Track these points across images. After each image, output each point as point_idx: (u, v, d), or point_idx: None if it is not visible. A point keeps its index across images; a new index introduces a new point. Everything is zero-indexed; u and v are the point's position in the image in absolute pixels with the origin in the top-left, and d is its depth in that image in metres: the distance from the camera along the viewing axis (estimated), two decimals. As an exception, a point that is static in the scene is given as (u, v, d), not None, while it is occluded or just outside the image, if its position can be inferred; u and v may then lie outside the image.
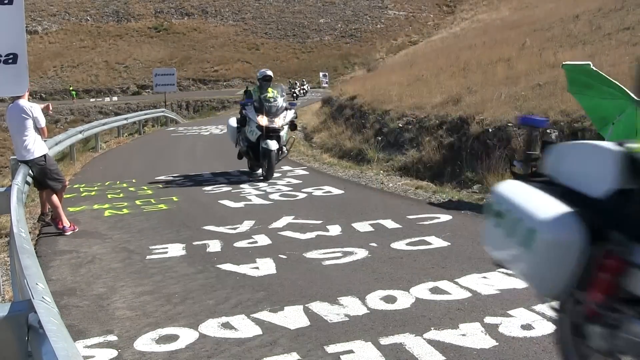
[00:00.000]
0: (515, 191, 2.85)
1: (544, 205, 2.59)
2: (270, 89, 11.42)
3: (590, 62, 7.74)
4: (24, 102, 7.43)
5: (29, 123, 7.40)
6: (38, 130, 7.51)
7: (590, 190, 2.58)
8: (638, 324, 2.35)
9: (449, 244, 6.32)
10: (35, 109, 7.46)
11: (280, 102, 11.19)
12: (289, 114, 11.28)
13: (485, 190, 9.54)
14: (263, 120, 10.86)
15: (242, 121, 11.49)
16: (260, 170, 11.55)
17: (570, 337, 2.82)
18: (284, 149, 11.39)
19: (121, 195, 10.41)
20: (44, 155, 7.55)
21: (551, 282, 2.62)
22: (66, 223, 7.70)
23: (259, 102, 11.10)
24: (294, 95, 45.50)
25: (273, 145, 10.76)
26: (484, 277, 5.14)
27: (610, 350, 2.52)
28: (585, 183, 2.64)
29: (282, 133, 11.09)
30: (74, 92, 57.46)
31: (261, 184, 10.84)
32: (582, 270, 2.48)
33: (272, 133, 10.86)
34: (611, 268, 2.45)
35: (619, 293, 2.44)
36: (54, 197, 7.68)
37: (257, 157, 11.18)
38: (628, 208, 2.42)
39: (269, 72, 11.60)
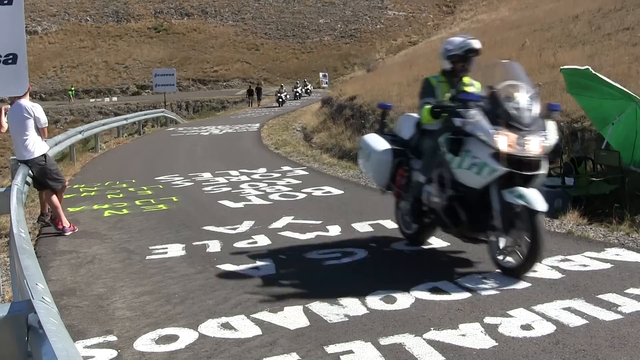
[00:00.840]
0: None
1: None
2: (466, 79, 6.02)
3: (589, 67, 7.75)
4: (25, 102, 7.44)
5: (30, 123, 7.40)
6: (39, 130, 7.51)
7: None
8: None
9: (449, 244, 6.31)
10: (37, 109, 7.47)
11: (529, 101, 5.17)
12: (551, 129, 5.23)
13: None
14: (508, 141, 4.97)
15: (455, 145, 5.27)
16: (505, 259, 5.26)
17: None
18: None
19: (121, 195, 10.41)
20: (44, 155, 7.55)
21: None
22: (66, 223, 7.70)
23: (489, 103, 5.25)
24: (297, 95, 45.90)
25: (539, 200, 4.92)
26: (484, 278, 5.14)
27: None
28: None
29: (543, 171, 5.18)
30: (71, 93, 57.47)
31: (261, 184, 10.82)
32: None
33: (529, 171, 5.03)
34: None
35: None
36: (54, 198, 7.68)
37: (477, 221, 5.33)
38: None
39: (477, 44, 5.86)
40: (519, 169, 4.95)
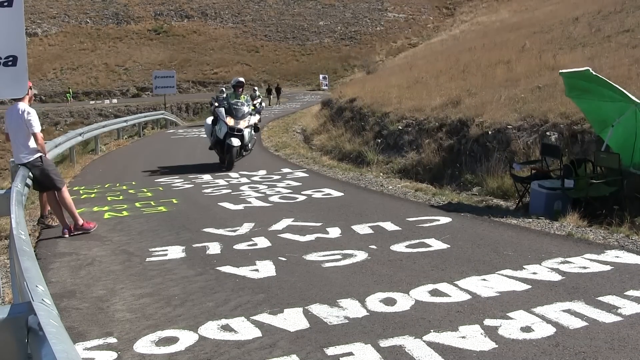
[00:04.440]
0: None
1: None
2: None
3: (589, 68, 7.75)
4: (21, 105, 7.36)
5: (24, 126, 7.34)
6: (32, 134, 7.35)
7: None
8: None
9: (449, 246, 6.32)
10: (30, 114, 7.29)
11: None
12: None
13: (485, 192, 9.55)
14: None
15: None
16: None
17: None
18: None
19: (121, 197, 10.41)
20: (40, 157, 7.49)
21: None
22: (80, 221, 7.69)
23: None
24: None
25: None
26: (484, 280, 5.15)
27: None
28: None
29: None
30: (68, 95, 57.48)
31: (261, 187, 10.85)
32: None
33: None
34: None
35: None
36: (65, 197, 7.61)
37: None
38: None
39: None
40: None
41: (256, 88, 35.21)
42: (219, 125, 13.48)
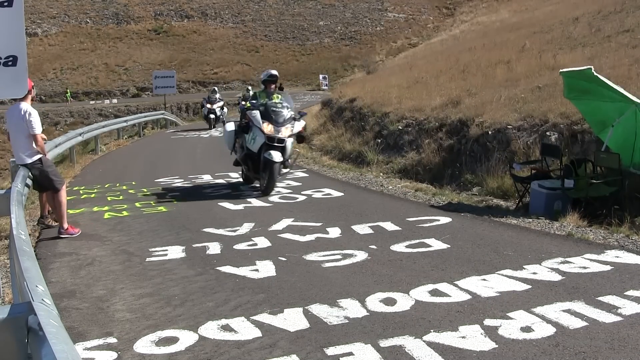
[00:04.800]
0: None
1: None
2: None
3: (591, 67, 7.74)
4: (23, 105, 7.34)
5: (25, 126, 7.32)
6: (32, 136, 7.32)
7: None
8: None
9: (449, 246, 6.32)
10: (31, 115, 7.25)
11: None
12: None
13: (485, 192, 9.55)
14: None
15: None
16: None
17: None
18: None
19: (121, 197, 10.41)
20: (40, 158, 7.48)
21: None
22: (65, 225, 7.66)
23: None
24: (210, 117, 27.45)
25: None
26: (484, 280, 5.15)
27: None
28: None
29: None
30: (68, 95, 57.47)
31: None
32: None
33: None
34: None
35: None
36: (61, 198, 7.60)
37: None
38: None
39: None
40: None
41: (249, 87, 33.64)
42: (251, 134, 10.09)
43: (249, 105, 10.48)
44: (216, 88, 30.09)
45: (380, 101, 16.97)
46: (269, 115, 9.93)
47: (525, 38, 20.60)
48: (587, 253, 5.85)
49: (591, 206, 7.61)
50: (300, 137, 10.41)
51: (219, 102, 27.20)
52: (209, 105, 26.80)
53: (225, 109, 28.86)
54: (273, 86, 10.61)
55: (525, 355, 3.70)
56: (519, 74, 14.54)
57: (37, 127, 7.32)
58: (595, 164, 8.00)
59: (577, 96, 8.37)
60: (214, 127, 26.05)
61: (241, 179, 11.50)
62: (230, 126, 11.30)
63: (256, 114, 9.98)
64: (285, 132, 9.90)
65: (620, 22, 17.36)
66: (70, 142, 15.46)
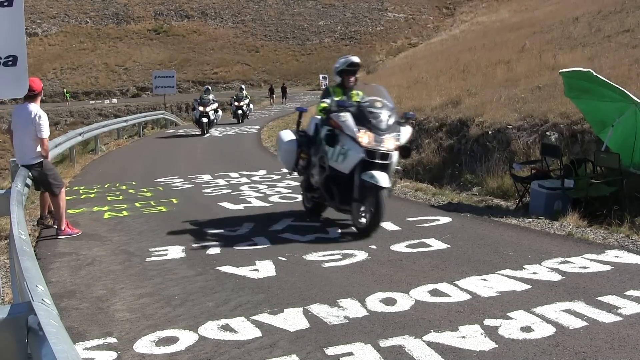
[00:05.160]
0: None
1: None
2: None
3: (591, 69, 7.75)
4: (33, 107, 7.32)
5: (32, 128, 7.33)
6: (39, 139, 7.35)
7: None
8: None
9: (449, 246, 6.32)
10: (41, 118, 7.29)
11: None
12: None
13: (485, 192, 9.55)
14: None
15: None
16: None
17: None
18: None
19: (121, 197, 10.41)
20: (40, 162, 7.47)
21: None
22: (63, 226, 7.65)
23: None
24: (238, 113, 28.08)
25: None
26: (484, 280, 5.15)
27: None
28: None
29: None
30: (67, 94, 57.52)
31: (261, 186, 10.81)
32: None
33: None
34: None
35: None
36: (60, 199, 7.60)
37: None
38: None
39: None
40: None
41: (243, 87, 32.04)
42: (339, 147, 7.00)
43: (324, 105, 7.48)
44: (209, 87, 26.04)
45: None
46: (364, 119, 6.90)
47: (525, 38, 20.61)
48: (587, 253, 5.85)
49: (591, 206, 7.61)
50: (405, 150, 7.19)
51: (212, 103, 23.24)
52: (201, 108, 22.91)
53: (252, 106, 25.81)
54: (353, 79, 7.70)
55: (525, 355, 3.70)
56: (519, 74, 14.55)
57: (46, 131, 7.36)
58: (595, 164, 8.00)
59: (578, 95, 8.37)
60: (207, 132, 22.78)
61: (303, 208, 8.46)
62: (288, 135, 8.17)
63: (347, 117, 6.90)
64: (389, 143, 6.92)
65: (620, 22, 17.37)
66: (70, 142, 15.46)
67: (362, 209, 6.93)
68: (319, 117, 7.78)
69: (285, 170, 9.61)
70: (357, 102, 7.33)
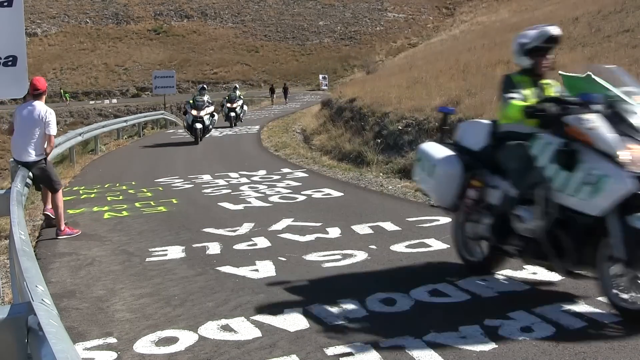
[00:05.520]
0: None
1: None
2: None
3: (590, 73, 7.73)
4: (40, 105, 7.38)
5: (41, 126, 7.35)
6: (47, 136, 7.44)
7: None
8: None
9: (449, 246, 6.31)
10: (50, 115, 7.40)
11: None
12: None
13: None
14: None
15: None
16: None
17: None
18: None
19: (121, 197, 10.41)
20: (44, 158, 7.53)
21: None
22: (62, 226, 7.63)
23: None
24: (230, 115, 26.23)
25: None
26: (484, 280, 5.14)
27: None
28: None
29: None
30: (67, 94, 57.59)
31: (261, 187, 10.85)
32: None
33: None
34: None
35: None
36: (58, 200, 7.61)
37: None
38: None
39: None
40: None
41: (237, 86, 30.80)
42: (583, 173, 4.21)
43: (522, 104, 4.81)
44: (205, 86, 22.54)
45: (380, 101, 16.95)
46: (622, 125, 4.29)
47: (525, 38, 20.57)
48: (587, 253, 5.84)
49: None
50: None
51: (207, 106, 19.78)
52: (194, 112, 19.25)
53: (246, 108, 26.43)
54: (547, 62, 5.31)
55: (525, 355, 3.70)
56: (518, 74, 14.51)
57: (54, 128, 7.48)
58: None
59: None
60: (201, 140, 19.52)
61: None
62: (440, 150, 5.49)
63: (599, 122, 4.35)
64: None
65: (620, 22, 17.37)
66: (70, 142, 15.46)
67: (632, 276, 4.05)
68: (484, 121, 5.63)
69: (287, 169, 9.71)
70: (610, 97, 4.64)
